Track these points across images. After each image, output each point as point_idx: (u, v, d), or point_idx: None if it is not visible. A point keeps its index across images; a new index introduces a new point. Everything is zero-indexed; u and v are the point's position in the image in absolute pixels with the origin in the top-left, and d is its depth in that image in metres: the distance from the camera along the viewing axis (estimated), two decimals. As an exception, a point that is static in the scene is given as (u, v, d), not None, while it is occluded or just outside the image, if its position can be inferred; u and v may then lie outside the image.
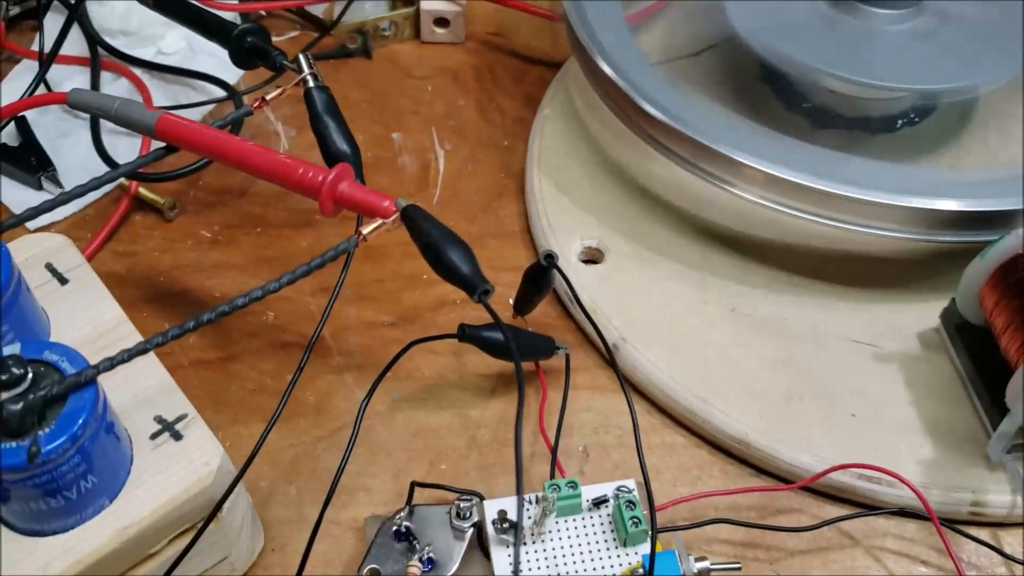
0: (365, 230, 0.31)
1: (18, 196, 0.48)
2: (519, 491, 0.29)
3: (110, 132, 0.50)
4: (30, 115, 0.50)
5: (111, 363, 0.29)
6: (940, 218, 0.38)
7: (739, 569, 0.34)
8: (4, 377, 0.28)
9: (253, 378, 0.42)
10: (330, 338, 0.43)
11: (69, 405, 0.28)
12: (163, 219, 0.48)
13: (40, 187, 0.49)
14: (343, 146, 0.34)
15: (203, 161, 0.46)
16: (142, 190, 0.48)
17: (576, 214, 0.46)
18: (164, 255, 0.46)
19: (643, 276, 0.43)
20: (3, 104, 0.48)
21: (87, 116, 0.50)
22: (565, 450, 0.39)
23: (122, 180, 0.48)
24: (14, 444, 0.28)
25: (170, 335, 0.30)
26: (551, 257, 0.38)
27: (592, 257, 0.45)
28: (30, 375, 0.28)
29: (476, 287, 0.30)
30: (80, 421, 0.28)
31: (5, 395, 0.28)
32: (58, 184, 0.48)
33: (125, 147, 0.50)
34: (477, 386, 0.42)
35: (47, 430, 0.28)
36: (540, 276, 0.39)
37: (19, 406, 0.28)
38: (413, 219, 0.31)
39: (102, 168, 0.47)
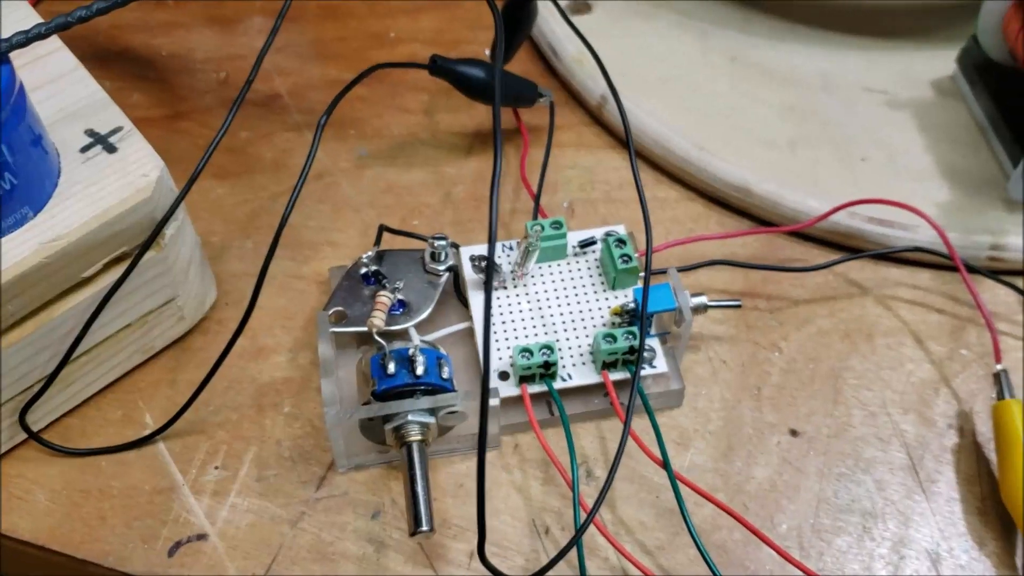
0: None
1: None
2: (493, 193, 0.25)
3: None
4: None
5: (26, 37, 0.25)
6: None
7: (739, 306, 0.32)
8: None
9: (204, 135, 0.38)
10: (288, 96, 0.39)
11: (-23, 85, 0.25)
12: (101, -22, 0.43)
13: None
14: None
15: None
16: (77, -55, 0.43)
17: (561, -33, 0.41)
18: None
19: (637, 27, 0.39)
20: None
21: None
22: (549, 207, 0.36)
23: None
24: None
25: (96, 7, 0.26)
26: (532, -18, 0.34)
27: (579, 9, 0.40)
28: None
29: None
30: (-10, 100, 0.24)
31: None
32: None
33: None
34: (452, 144, 0.38)
35: (-49, 107, 0.24)
36: (518, 9, 0.35)
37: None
38: None
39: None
